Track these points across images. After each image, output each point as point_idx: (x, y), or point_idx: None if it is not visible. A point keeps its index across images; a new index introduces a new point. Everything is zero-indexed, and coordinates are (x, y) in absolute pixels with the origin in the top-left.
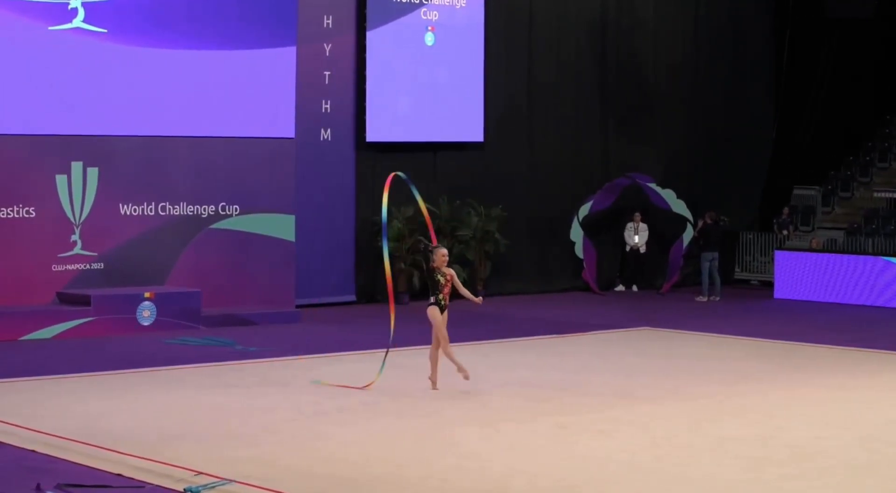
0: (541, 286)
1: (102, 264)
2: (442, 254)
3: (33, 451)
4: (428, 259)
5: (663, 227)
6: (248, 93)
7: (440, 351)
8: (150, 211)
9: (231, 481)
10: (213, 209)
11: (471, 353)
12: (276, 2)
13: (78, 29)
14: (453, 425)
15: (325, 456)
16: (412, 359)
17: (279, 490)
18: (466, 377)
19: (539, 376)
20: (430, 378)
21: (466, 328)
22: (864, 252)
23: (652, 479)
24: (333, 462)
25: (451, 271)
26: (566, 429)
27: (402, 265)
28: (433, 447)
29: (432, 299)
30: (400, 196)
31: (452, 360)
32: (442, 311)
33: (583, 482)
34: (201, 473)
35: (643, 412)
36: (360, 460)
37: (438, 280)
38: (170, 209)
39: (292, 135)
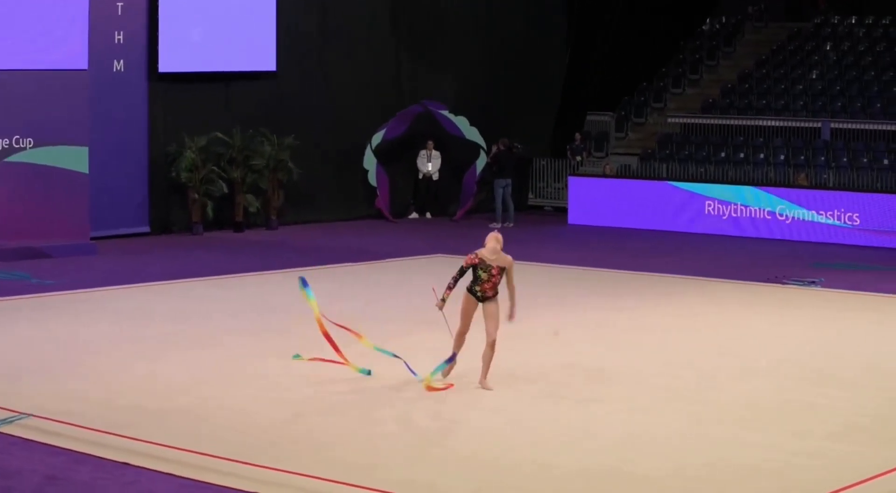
0: (335, 215)
1: None
2: (493, 238)
3: None
4: None
5: (456, 154)
6: (40, 25)
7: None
8: None
9: (29, 415)
10: (7, 143)
11: (265, 283)
12: None
13: None
14: (255, 357)
15: (128, 389)
16: (208, 290)
17: (78, 424)
18: (486, 388)
19: (335, 306)
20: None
21: (260, 258)
22: (658, 178)
23: (447, 406)
24: (137, 395)
25: (503, 264)
26: (364, 356)
27: (196, 196)
28: (235, 378)
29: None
30: (193, 126)
31: (456, 347)
32: (481, 300)
33: (379, 406)
34: None
35: (439, 339)
36: (163, 391)
37: (479, 276)
38: None
39: (85, 66)
